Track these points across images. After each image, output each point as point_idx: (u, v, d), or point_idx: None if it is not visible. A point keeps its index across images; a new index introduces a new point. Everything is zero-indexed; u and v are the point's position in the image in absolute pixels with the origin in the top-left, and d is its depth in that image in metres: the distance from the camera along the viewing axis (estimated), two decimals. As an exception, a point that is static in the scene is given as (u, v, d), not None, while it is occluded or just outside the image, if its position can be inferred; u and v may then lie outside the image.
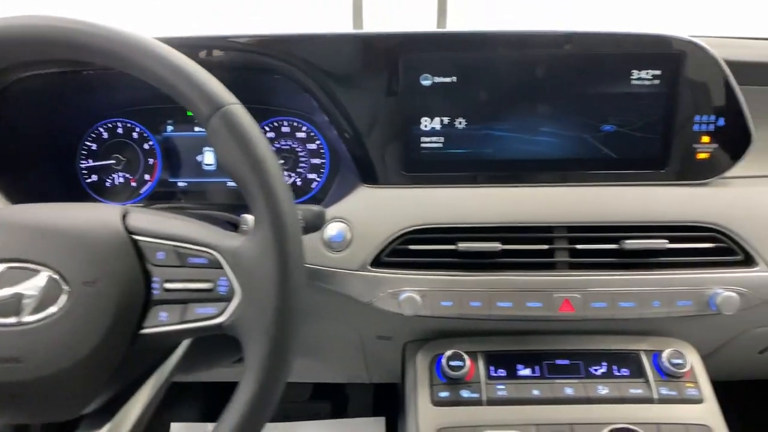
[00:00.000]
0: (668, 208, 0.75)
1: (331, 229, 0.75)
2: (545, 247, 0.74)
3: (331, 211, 0.77)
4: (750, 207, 0.75)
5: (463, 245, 0.73)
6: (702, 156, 0.75)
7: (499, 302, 0.74)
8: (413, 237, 0.75)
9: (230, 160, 0.52)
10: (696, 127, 0.74)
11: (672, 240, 0.73)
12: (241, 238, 0.55)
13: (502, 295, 0.74)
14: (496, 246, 0.73)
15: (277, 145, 0.89)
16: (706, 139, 0.75)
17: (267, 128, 0.89)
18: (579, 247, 0.74)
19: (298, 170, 0.90)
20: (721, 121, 0.74)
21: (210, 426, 1.53)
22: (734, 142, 0.75)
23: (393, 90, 0.74)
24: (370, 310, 0.76)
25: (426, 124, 0.76)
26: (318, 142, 0.89)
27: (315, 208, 0.65)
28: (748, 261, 0.74)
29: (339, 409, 1.60)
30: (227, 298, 0.54)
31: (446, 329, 0.80)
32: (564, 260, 0.74)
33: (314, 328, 0.87)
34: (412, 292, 0.73)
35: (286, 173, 0.89)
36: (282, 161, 0.89)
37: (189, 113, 0.90)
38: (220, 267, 0.55)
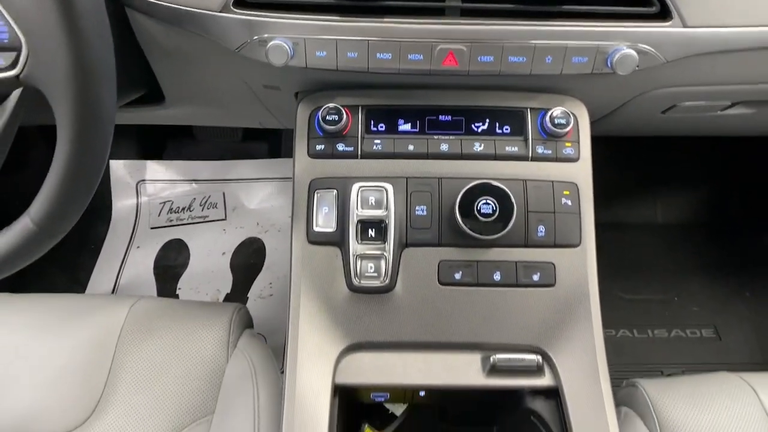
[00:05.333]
0: None
1: (181, -43, 0.63)
2: None
3: None
4: None
5: None
6: None
7: (378, 54, 0.67)
8: None
9: None
10: None
11: None
12: None
13: (381, 45, 0.66)
14: None
15: None
16: None
17: None
18: None
19: None
20: None
21: (148, 163, 1.59)
22: None
23: None
24: (242, 58, 0.69)
25: None
26: None
27: None
28: (662, 14, 0.66)
29: (275, 149, 1.65)
30: (12, 48, 0.47)
31: (334, 81, 0.75)
32: (455, 5, 0.65)
33: (192, 75, 0.80)
34: (281, 39, 0.65)
35: None
36: None
37: None
38: None
